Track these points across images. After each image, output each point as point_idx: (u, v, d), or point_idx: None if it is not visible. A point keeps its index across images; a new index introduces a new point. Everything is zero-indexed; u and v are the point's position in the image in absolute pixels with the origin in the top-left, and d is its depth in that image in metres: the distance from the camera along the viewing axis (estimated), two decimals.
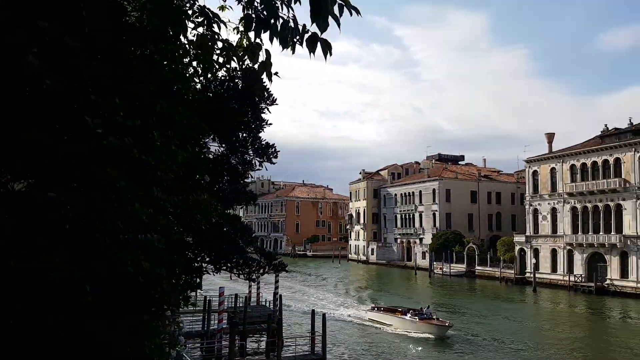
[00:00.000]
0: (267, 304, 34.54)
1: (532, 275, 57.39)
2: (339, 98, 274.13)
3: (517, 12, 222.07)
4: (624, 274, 51.06)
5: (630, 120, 55.78)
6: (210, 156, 9.81)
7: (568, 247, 57.27)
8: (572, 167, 57.90)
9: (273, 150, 10.53)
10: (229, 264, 10.04)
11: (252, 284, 39.66)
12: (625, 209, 51.75)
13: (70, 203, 3.15)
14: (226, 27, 5.12)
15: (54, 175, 3.25)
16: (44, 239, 3.03)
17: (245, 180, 11.02)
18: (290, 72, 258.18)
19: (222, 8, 5.58)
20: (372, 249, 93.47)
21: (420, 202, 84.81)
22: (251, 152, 10.47)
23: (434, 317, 33.31)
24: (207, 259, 9.68)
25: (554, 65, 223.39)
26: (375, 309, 38.39)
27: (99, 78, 3.30)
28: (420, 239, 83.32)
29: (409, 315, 33.69)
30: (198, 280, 9.00)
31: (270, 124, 10.48)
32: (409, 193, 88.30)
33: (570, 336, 33.56)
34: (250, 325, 28.29)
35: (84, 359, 3.27)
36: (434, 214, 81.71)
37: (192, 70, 5.09)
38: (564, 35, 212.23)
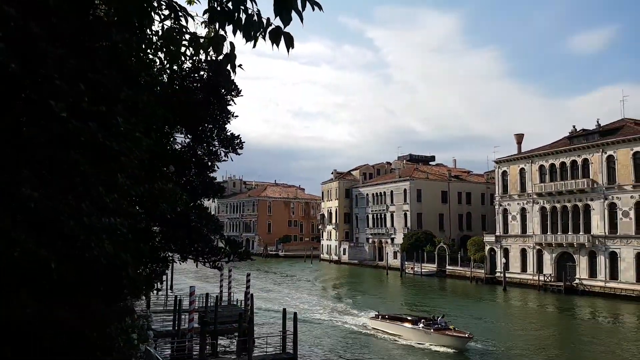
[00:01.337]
0: (239, 304, 34.47)
1: (502, 274, 58.62)
2: (312, 99, 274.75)
3: (488, 14, 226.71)
4: (592, 273, 52.47)
5: (597, 122, 57.45)
6: (177, 147, 9.86)
7: (537, 247, 58.68)
8: (541, 167, 59.39)
9: (238, 141, 10.64)
10: (194, 253, 10.10)
11: (223, 283, 39.64)
12: (593, 209, 53.25)
13: (35, 184, 3.22)
14: (194, 20, 5.22)
15: (19, 157, 3.31)
16: (8, 218, 3.09)
17: (213, 171, 11.12)
18: (264, 73, 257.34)
19: (190, 2, 5.68)
20: (344, 249, 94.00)
21: (392, 202, 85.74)
22: (217, 142, 10.56)
23: (451, 326, 29.96)
24: (174, 248, 9.73)
25: (525, 67, 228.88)
26: (380, 317, 34.56)
27: (63, 65, 3.37)
28: (392, 239, 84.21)
29: (421, 325, 30.35)
30: (164, 269, 9.03)
31: (236, 116, 10.64)
32: (380, 193, 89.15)
33: (539, 335, 34.48)
34: (221, 324, 28.19)
35: (51, 339, 3.34)
36: (405, 214, 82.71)
37: (158, 61, 5.17)
38: (535, 38, 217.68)
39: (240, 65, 4.68)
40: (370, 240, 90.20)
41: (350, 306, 44.32)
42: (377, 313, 36.13)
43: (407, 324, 31.40)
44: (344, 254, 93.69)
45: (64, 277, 3.57)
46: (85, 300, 3.80)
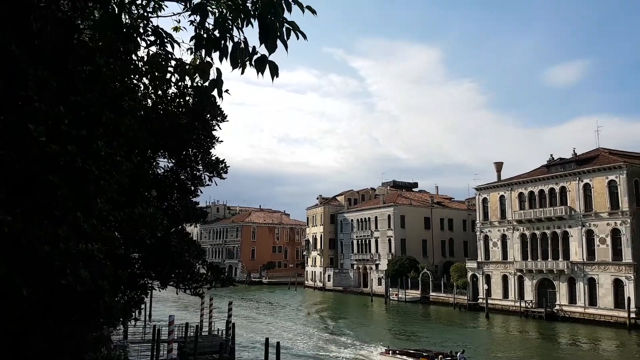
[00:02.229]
0: (220, 333, 33.72)
1: (484, 301, 58.65)
2: (298, 125, 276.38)
3: (467, 47, 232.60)
4: (572, 299, 52.84)
5: (574, 151, 58.84)
6: (160, 171, 9.76)
7: (518, 273, 59.00)
8: (521, 195, 60.22)
9: (223, 165, 10.58)
10: (175, 279, 9.88)
11: (204, 312, 38.85)
12: (571, 236, 53.94)
13: (10, 207, 3.14)
14: (180, 46, 5.24)
15: None
16: None
17: (196, 196, 11.01)
18: (250, 99, 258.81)
19: (176, 29, 5.72)
20: (329, 275, 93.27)
21: (376, 227, 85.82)
22: (201, 167, 10.50)
23: None
24: (153, 275, 9.51)
25: (502, 98, 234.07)
26: (391, 351, 31.94)
27: (44, 87, 3.34)
28: (376, 265, 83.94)
29: None
30: (143, 296, 8.82)
31: (221, 141, 10.61)
32: (365, 219, 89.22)
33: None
34: (201, 355, 27.49)
35: None
36: (389, 240, 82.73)
37: (143, 86, 5.17)
38: (512, 70, 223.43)
39: (227, 91, 4.71)
40: (355, 266, 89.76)
41: (336, 335, 43.73)
42: (387, 348, 33.17)
43: None
44: (329, 280, 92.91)
45: (36, 304, 3.46)
46: (58, 329, 3.67)
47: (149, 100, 6.93)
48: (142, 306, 30.91)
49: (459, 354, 28.68)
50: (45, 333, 3.51)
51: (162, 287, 10.31)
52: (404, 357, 30.17)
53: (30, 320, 3.56)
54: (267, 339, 25.16)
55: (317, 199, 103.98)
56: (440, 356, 28.52)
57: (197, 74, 5.17)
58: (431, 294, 69.50)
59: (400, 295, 71.98)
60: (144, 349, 29.88)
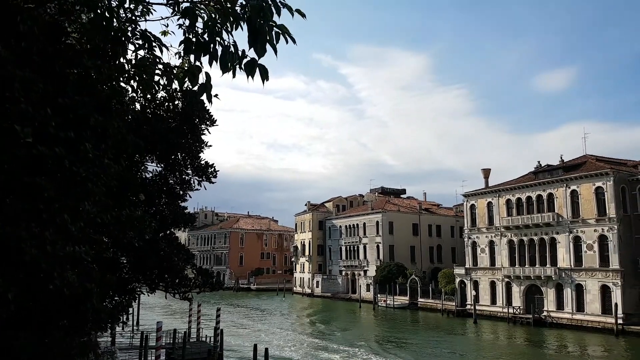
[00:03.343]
0: (208, 340, 33.47)
1: (472, 307, 58.83)
2: (287, 131, 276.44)
3: (456, 54, 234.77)
4: (559, 305, 53.17)
5: (561, 158, 59.42)
6: (148, 175, 9.68)
7: (506, 280, 59.30)
8: (508, 201, 60.66)
9: (212, 169, 10.53)
10: (164, 283, 9.80)
11: (192, 318, 38.55)
12: (559, 242, 54.37)
13: None
14: (168, 50, 5.24)
15: None
16: None
17: (185, 200, 10.94)
18: (239, 105, 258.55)
19: (164, 33, 5.71)
20: (317, 282, 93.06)
21: (365, 234, 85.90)
22: (190, 171, 10.43)
23: None
24: (142, 279, 9.42)
25: (491, 105, 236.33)
26: None
27: (30, 88, 3.32)
28: (365, 271, 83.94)
29: None
30: (132, 301, 8.73)
31: (210, 145, 10.55)
32: (353, 225, 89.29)
33: None
34: None
35: None
36: (377, 246, 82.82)
37: (131, 90, 5.15)
38: (501, 77, 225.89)
39: (216, 95, 4.71)
40: (344, 273, 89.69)
41: (325, 341, 43.59)
42: None
43: None
44: (317, 286, 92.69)
45: (23, 308, 3.42)
46: (46, 333, 3.63)
47: (137, 105, 6.90)
48: (130, 312, 30.63)
49: None
50: (32, 338, 3.47)
51: (150, 292, 10.21)
52: None
53: (17, 324, 3.52)
54: (255, 345, 25.01)
55: (306, 205, 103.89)
56: None
57: (186, 78, 5.18)
58: (419, 300, 69.60)
59: (388, 302, 72.01)
60: (132, 355, 29.57)
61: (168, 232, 10.51)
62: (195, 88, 4.85)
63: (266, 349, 23.22)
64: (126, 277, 8.69)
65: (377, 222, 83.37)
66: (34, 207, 3.32)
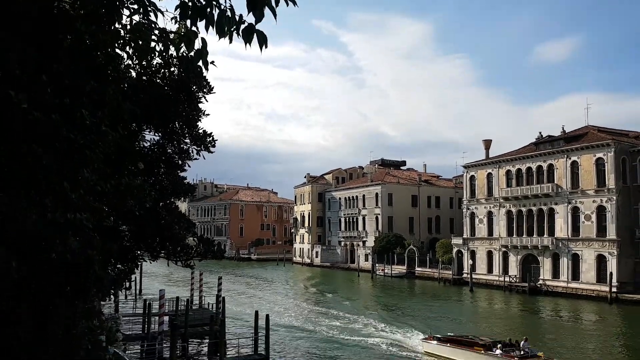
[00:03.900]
0: (210, 307, 34.05)
1: (469, 275, 59.70)
2: (285, 102, 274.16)
3: (458, 23, 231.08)
4: (555, 274, 54.02)
5: (562, 128, 59.32)
6: (146, 144, 9.66)
7: (503, 249, 60.00)
8: (508, 172, 60.78)
9: (211, 139, 10.48)
10: (165, 252, 9.90)
11: (194, 287, 39.14)
12: (557, 212, 54.80)
13: None
14: (163, 15, 5.14)
15: None
16: None
17: (184, 170, 10.93)
18: (236, 74, 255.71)
19: None
20: (317, 252, 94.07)
21: (364, 205, 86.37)
22: (188, 140, 10.39)
23: (539, 353, 24.07)
24: (143, 247, 9.52)
25: (493, 75, 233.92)
26: (435, 338, 27.63)
27: (24, 55, 3.26)
28: (364, 242, 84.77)
29: (498, 351, 24.00)
30: (134, 267, 8.86)
31: (208, 114, 10.47)
32: (352, 197, 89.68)
33: (504, 333, 35.24)
34: (192, 327, 27.80)
35: (13, 340, 3.22)
36: (376, 218, 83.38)
37: (127, 56, 5.07)
38: (503, 46, 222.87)
39: (212, 62, 4.63)
40: (343, 243, 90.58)
41: (325, 307, 44.33)
42: (431, 335, 28.44)
43: (477, 350, 24.62)
44: (317, 256, 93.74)
45: (25, 277, 3.45)
46: (49, 301, 3.67)
47: (133, 72, 6.81)
48: (133, 280, 31.04)
49: (522, 342, 24.52)
50: (35, 306, 3.51)
51: (152, 260, 10.35)
52: (449, 344, 26.15)
53: (19, 293, 3.55)
54: (256, 312, 25.42)
55: (305, 177, 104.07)
56: (499, 345, 24.41)
57: (182, 44, 5.09)
58: (417, 269, 70.55)
59: (386, 271, 73.00)
60: (135, 322, 30.14)
61: (168, 201, 10.56)
62: (192, 54, 4.77)
63: (267, 315, 23.63)
64: (127, 246, 8.78)
65: (377, 194, 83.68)
66: (32, 175, 3.32)
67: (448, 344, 26.17)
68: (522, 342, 24.53)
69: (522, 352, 23.78)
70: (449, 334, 28.53)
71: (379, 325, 35.78)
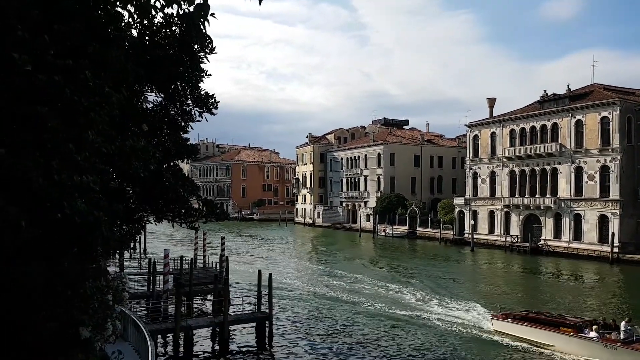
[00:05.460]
0: (214, 266, 34.68)
1: (470, 236, 60.29)
2: (286, 60, 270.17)
3: None
4: (557, 234, 54.44)
5: (568, 87, 58.43)
6: (149, 106, 9.57)
7: (505, 209, 60.32)
8: (512, 131, 60.38)
9: (213, 100, 10.38)
10: (170, 214, 10.01)
11: (198, 247, 39.76)
12: (560, 172, 54.72)
13: (0, 140, 3.10)
14: None
15: None
16: None
17: (187, 132, 10.90)
18: (235, 31, 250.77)
19: None
20: (319, 212, 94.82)
21: (366, 166, 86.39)
22: (190, 102, 10.29)
23: None
24: (148, 209, 9.61)
25: (498, 32, 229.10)
26: (509, 316, 23.53)
27: (25, 15, 3.19)
28: (365, 202, 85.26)
29: (593, 333, 19.88)
30: (140, 228, 8.99)
31: (210, 74, 10.34)
32: (354, 157, 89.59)
33: (504, 290, 35.93)
34: (196, 286, 28.39)
35: (23, 298, 3.30)
36: (378, 178, 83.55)
37: (127, 14, 4.96)
38: (510, 2, 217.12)
39: (213, 14, 4.51)
40: (344, 204, 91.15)
41: (328, 267, 45.08)
42: (501, 313, 24.40)
43: (565, 332, 20.68)
44: (318, 217, 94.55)
45: (35, 237, 3.50)
46: (58, 260, 3.74)
47: (134, 31, 6.67)
48: (137, 240, 31.47)
49: (623, 323, 19.96)
50: (45, 264, 3.58)
51: (157, 221, 10.46)
52: (528, 324, 22.22)
53: (29, 253, 3.61)
54: (259, 271, 25.87)
55: (307, 137, 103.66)
56: (594, 327, 20.13)
57: None
58: (418, 229, 71.20)
59: (387, 231, 73.72)
60: (140, 281, 30.79)
61: (172, 163, 10.56)
62: (192, 8, 4.64)
63: (270, 274, 24.03)
64: (133, 207, 8.86)
65: (379, 154, 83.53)
66: (37, 137, 3.31)
67: (526, 323, 22.27)
68: (623, 323, 19.89)
69: (623, 336, 19.24)
70: (523, 311, 24.51)
71: (384, 284, 36.41)
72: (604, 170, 50.71)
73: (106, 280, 6.18)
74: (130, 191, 8.65)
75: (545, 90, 61.03)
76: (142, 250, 46.38)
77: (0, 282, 3.30)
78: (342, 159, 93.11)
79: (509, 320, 23.12)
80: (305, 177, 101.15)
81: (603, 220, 50.28)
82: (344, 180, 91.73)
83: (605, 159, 50.47)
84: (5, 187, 3.20)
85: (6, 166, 3.12)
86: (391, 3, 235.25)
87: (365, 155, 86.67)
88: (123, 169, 5.40)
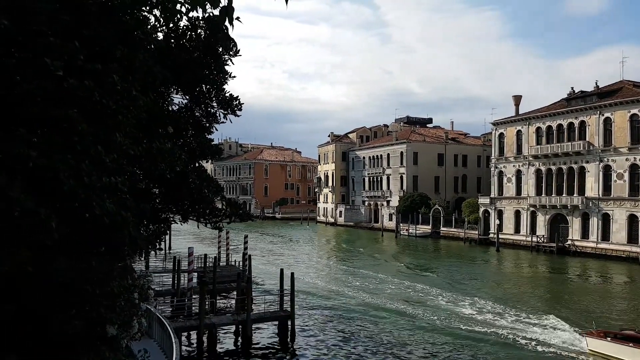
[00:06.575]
0: (237, 264, 35.02)
1: (495, 235, 59.43)
2: (309, 58, 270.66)
3: None
4: (584, 234, 53.26)
5: (596, 83, 57.03)
6: (174, 108, 9.75)
7: (531, 209, 59.27)
8: (538, 129, 59.28)
9: (237, 102, 10.49)
10: (196, 214, 10.19)
11: (221, 245, 40.19)
12: (588, 171, 53.52)
13: (31, 142, 3.20)
14: None
15: (14, 115, 3.27)
16: (5, 176, 3.09)
17: (211, 132, 11.07)
18: (258, 31, 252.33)
19: None
20: (341, 211, 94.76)
21: (388, 165, 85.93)
22: (215, 103, 10.42)
23: None
24: (174, 209, 9.80)
25: (524, 28, 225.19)
26: (607, 336, 20.72)
27: (56, 21, 3.29)
28: (388, 201, 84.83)
29: None
30: (165, 229, 9.16)
31: (234, 76, 10.44)
32: (377, 156, 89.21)
33: (530, 292, 35.32)
34: (220, 284, 28.71)
35: (52, 296, 3.41)
36: (401, 177, 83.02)
37: (154, 19, 5.06)
38: None
39: (238, 18, 4.57)
40: (366, 203, 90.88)
41: (350, 267, 45.05)
42: (596, 330, 21.75)
43: None
44: (340, 216, 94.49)
45: (65, 236, 3.60)
46: (86, 259, 3.84)
47: (160, 34, 6.78)
48: (163, 239, 31.95)
49: None
50: (73, 262, 3.67)
51: (183, 221, 10.65)
52: (633, 345, 19.31)
53: (59, 252, 3.71)
54: (282, 270, 26.01)
55: (329, 136, 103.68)
56: None
57: (207, 2, 5.03)
58: (442, 229, 70.49)
59: (410, 230, 73.18)
60: (165, 278, 31.30)
61: (197, 164, 10.73)
62: (217, 11, 4.71)
63: (292, 273, 24.14)
64: (159, 207, 9.03)
65: (402, 152, 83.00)
66: (67, 139, 3.40)
67: (631, 344, 19.42)
68: None
69: None
70: (622, 329, 21.95)
71: (409, 284, 36.18)
72: (634, 169, 49.39)
73: (132, 278, 6.30)
74: (157, 192, 8.84)
75: (572, 87, 59.83)
76: (167, 248, 47.14)
77: (30, 280, 3.41)
78: (364, 157, 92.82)
79: (608, 339, 20.48)
80: (327, 176, 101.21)
81: (632, 220, 48.98)
82: (366, 179, 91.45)
83: (634, 158, 49.17)
84: (37, 188, 3.30)
85: (38, 167, 3.22)
86: (414, 0, 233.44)
87: (388, 154, 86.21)
88: (150, 170, 5.51)
